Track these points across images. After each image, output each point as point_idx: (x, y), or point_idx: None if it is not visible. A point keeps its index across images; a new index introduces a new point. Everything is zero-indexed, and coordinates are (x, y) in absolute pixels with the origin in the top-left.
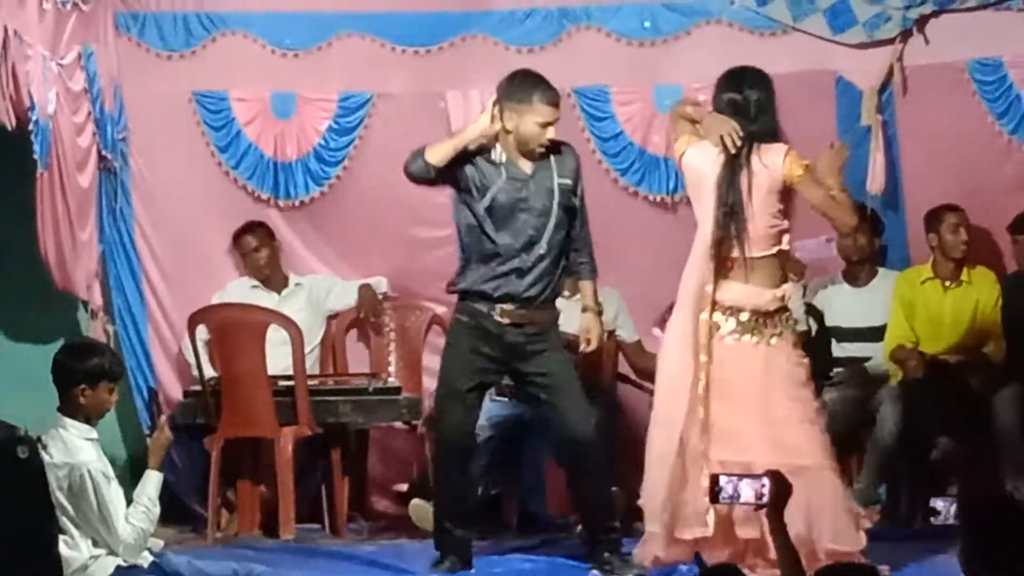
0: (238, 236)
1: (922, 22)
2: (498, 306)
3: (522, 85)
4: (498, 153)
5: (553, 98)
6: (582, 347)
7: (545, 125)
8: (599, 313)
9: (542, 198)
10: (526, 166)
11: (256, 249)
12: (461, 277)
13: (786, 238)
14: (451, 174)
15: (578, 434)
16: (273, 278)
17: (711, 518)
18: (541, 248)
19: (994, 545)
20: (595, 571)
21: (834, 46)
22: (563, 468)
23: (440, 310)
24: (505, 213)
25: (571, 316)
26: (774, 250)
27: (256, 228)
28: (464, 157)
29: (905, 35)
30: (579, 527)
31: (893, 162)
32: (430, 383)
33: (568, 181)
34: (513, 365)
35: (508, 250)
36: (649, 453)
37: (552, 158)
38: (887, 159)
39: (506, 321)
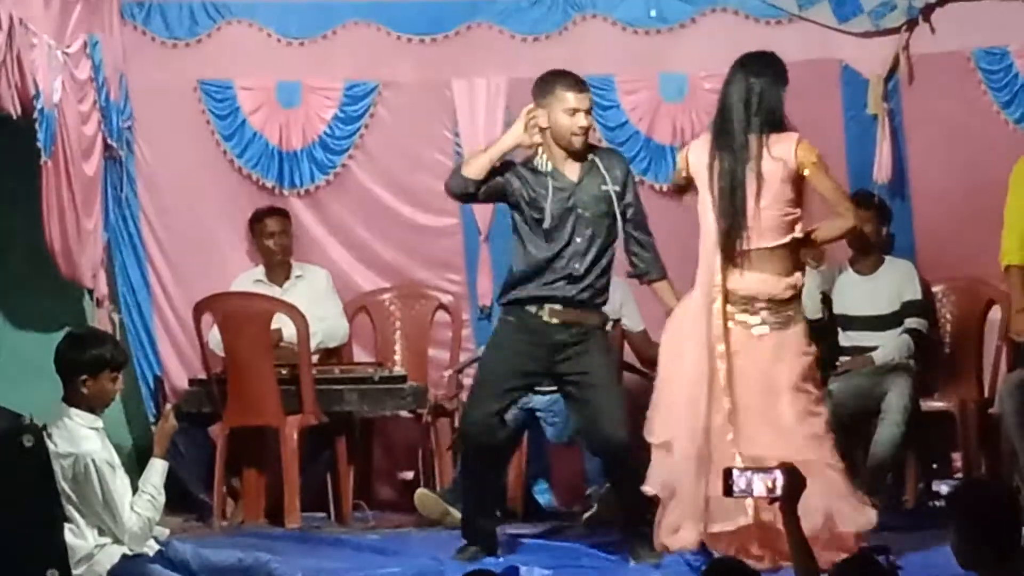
0: (258, 218)
1: (928, 11)
2: (547, 306)
3: (544, 80)
4: (543, 162)
5: (576, 83)
6: None
7: (574, 112)
8: None
9: (591, 205)
10: (573, 173)
11: (273, 233)
12: (513, 288)
13: (799, 227)
14: (498, 190)
15: (614, 437)
16: (280, 267)
17: (750, 505)
18: (592, 255)
19: (983, 530)
20: (633, 562)
21: (840, 35)
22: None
23: (446, 298)
24: (555, 223)
25: None
26: (787, 239)
27: (277, 212)
28: (509, 171)
29: (911, 24)
30: (584, 516)
31: (899, 151)
32: (435, 372)
33: (617, 188)
34: (556, 366)
35: (559, 259)
36: (663, 444)
37: (600, 164)
38: (893, 148)
39: (554, 321)
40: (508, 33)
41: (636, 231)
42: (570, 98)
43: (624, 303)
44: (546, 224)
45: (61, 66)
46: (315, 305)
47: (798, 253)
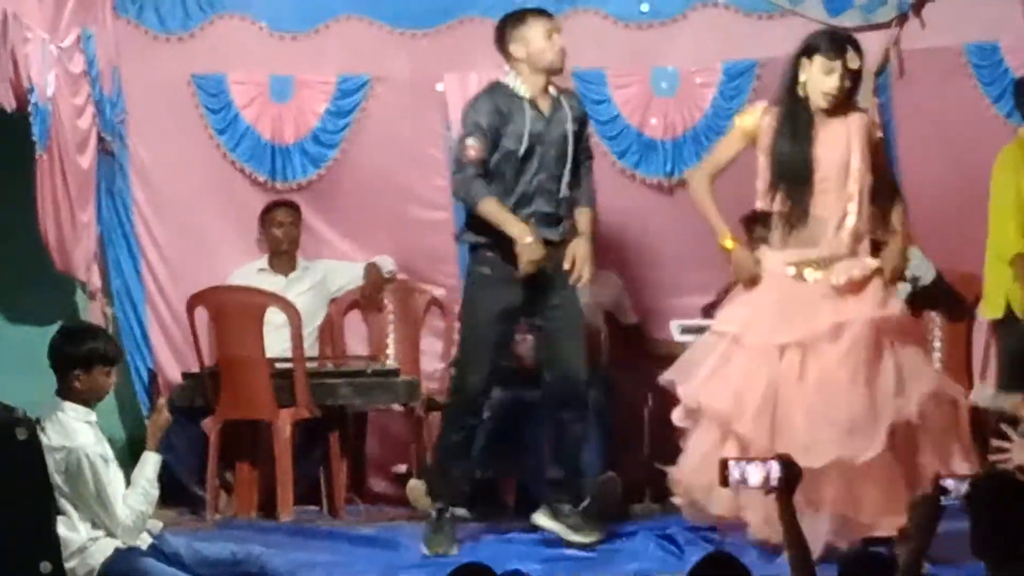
0: (271, 208)
1: (919, 5)
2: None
3: (511, 17)
4: (522, 88)
5: (544, 11)
6: (573, 277)
7: (549, 34)
8: (591, 242)
9: (558, 142)
10: (544, 106)
11: (283, 223)
12: (480, 228)
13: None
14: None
15: (571, 372)
16: (285, 259)
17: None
18: (563, 192)
19: (1000, 521)
20: (542, 518)
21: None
22: (551, 409)
23: (438, 292)
24: (528, 155)
25: None
26: None
27: (289, 205)
28: (491, 109)
29: (902, 18)
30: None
31: (889, 145)
32: (428, 365)
33: (578, 127)
34: (535, 305)
35: (533, 194)
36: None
37: (564, 102)
38: (884, 142)
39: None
40: None
41: (583, 164)
42: (543, 22)
43: (617, 296)
44: (522, 146)
45: (55, 60)
46: (328, 284)
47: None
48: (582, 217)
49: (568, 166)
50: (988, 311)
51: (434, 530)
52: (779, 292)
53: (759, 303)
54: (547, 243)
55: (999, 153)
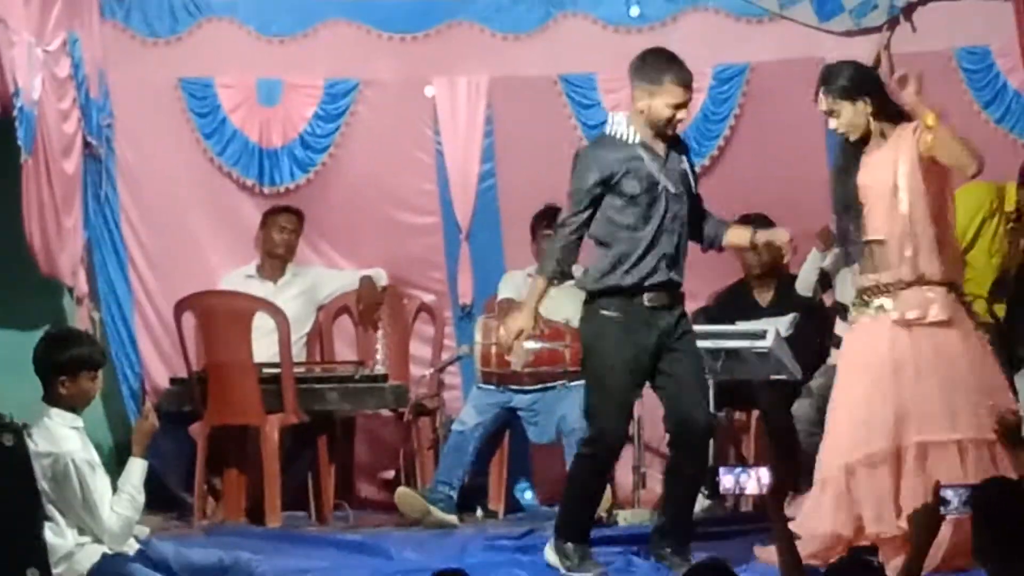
0: (274, 213)
1: (909, 10)
2: (646, 294)
3: (654, 64)
4: (631, 135)
5: (686, 79)
6: (787, 253)
7: (677, 107)
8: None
9: (676, 182)
10: (660, 148)
11: (284, 228)
12: (610, 274)
13: None
14: (607, 189)
15: (690, 421)
16: (277, 264)
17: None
18: (684, 233)
19: (1001, 526)
20: (656, 560)
21: (821, 33)
22: (673, 454)
23: (428, 298)
24: (649, 200)
25: (561, 303)
26: None
27: (292, 211)
28: (606, 162)
29: (892, 23)
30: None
31: None
32: (417, 371)
33: (689, 168)
34: (664, 348)
35: (656, 239)
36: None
37: (677, 145)
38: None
39: (656, 304)
40: (489, 31)
41: (701, 205)
42: (679, 93)
43: None
44: (637, 187)
45: (41, 64)
46: (317, 291)
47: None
48: (736, 236)
49: (687, 207)
50: None
51: (579, 562)
52: None
53: None
54: (670, 287)
55: (970, 184)
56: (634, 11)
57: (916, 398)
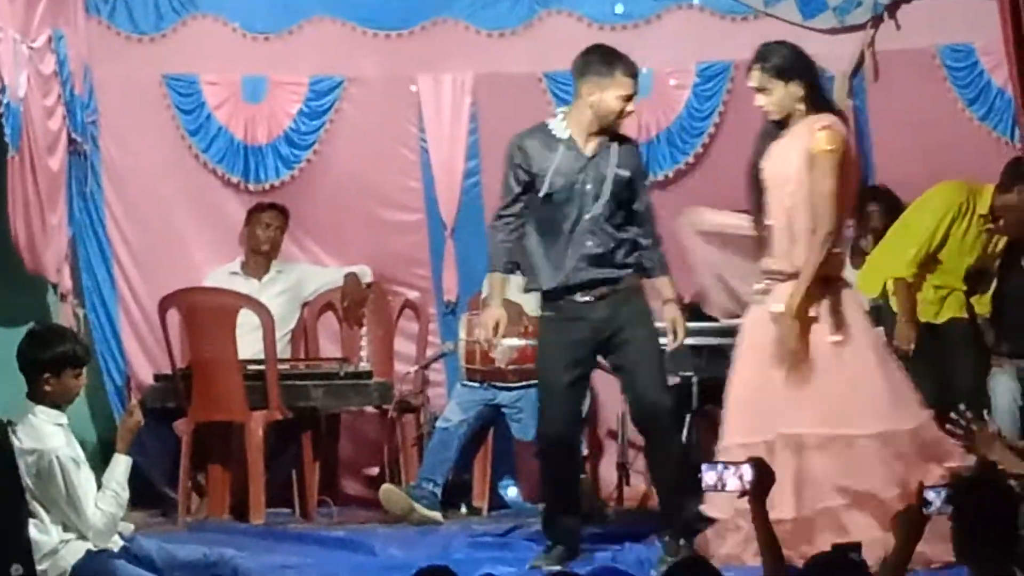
0: (259, 210)
1: (893, 8)
2: (574, 294)
3: (603, 58)
4: (561, 128)
5: (634, 70)
6: (672, 341)
7: (627, 98)
8: (681, 303)
9: (596, 184)
10: (588, 148)
11: (268, 226)
12: (534, 279)
13: None
14: (531, 178)
15: (656, 401)
16: (261, 261)
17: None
18: (617, 233)
19: (982, 526)
20: (668, 557)
21: (805, 31)
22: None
23: (412, 295)
24: (564, 199)
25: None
26: None
27: (277, 208)
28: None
29: (876, 21)
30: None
31: (864, 147)
32: (401, 368)
33: (625, 173)
34: (608, 339)
35: (573, 239)
36: None
37: (614, 147)
38: (858, 145)
39: (586, 300)
40: (474, 28)
41: (643, 225)
42: (628, 84)
43: None
44: (544, 188)
45: (26, 61)
46: (302, 288)
47: None
48: (666, 285)
49: (599, 211)
50: (867, 288)
51: (545, 552)
52: None
53: None
54: (602, 284)
55: (944, 183)
56: (618, 8)
57: (783, 388)
